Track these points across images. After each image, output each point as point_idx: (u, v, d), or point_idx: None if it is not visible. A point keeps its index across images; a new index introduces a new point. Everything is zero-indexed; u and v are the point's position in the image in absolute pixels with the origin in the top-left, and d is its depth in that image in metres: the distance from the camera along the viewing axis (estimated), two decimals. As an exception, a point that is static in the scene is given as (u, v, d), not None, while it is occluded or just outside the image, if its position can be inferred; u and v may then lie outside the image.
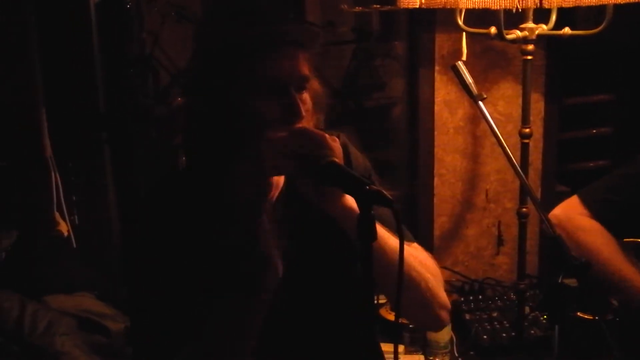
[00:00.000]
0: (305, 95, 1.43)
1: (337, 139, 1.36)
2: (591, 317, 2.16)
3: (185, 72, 1.41)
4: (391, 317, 2.53)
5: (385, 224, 1.38)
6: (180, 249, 1.40)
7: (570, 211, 2.24)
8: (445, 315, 1.56)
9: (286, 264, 1.41)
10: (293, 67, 1.39)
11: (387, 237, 1.39)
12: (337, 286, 1.55)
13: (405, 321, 2.43)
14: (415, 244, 1.60)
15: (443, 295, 1.56)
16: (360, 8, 3.34)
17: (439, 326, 1.66)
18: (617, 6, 2.16)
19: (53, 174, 2.53)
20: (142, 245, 1.46)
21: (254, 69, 1.37)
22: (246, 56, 1.37)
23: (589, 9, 2.14)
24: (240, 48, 1.37)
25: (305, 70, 1.42)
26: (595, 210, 2.20)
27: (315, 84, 1.47)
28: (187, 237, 1.40)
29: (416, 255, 1.53)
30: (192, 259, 1.39)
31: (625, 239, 2.23)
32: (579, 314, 2.24)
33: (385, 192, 1.21)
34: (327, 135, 1.33)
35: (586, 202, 2.22)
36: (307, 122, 1.42)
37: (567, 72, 2.87)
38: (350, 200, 1.37)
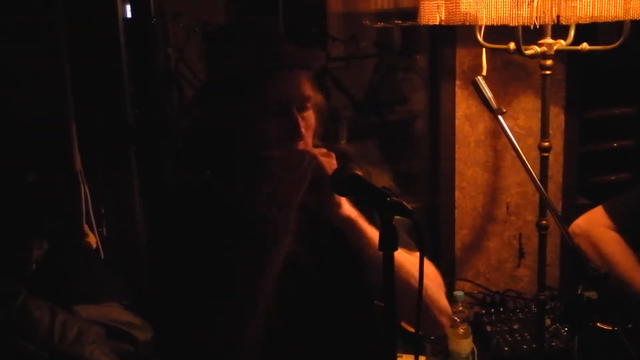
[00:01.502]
0: (309, 113, 1.51)
1: (332, 153, 1.46)
2: (611, 328, 2.17)
3: (201, 91, 1.54)
4: (412, 328, 2.55)
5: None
6: (201, 243, 1.48)
7: (593, 221, 2.26)
8: (445, 320, 1.63)
9: (297, 271, 1.49)
10: (294, 88, 1.48)
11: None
12: (344, 292, 1.61)
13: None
14: (417, 253, 1.61)
15: (443, 301, 1.62)
16: (382, 23, 3.39)
17: (439, 330, 1.70)
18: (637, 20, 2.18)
19: (82, 186, 2.59)
20: (166, 240, 1.54)
21: (258, 91, 1.45)
22: (250, 79, 1.45)
23: (610, 22, 2.16)
24: (245, 71, 1.46)
25: (307, 90, 1.50)
26: (619, 221, 2.22)
27: (318, 99, 1.56)
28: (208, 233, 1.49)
29: (415, 263, 1.51)
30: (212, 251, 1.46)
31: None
32: (599, 324, 2.26)
33: (405, 203, 1.26)
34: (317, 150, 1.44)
35: (610, 213, 2.24)
36: (310, 137, 1.52)
37: (588, 85, 2.89)
38: (348, 210, 1.46)
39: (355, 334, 1.64)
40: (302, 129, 1.48)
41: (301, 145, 1.47)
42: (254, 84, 1.46)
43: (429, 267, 1.62)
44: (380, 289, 1.39)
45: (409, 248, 1.59)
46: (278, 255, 1.42)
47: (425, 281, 1.51)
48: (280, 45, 1.53)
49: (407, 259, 1.53)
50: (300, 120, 1.48)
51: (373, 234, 1.45)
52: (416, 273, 1.49)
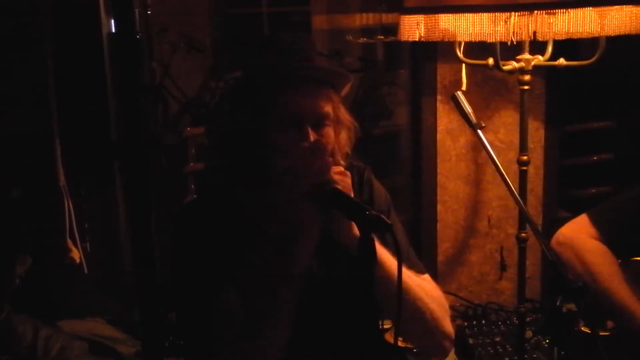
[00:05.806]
0: (326, 130, 1.50)
1: (347, 172, 1.44)
2: (590, 331, 2.19)
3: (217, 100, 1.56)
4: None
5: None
6: (218, 250, 1.50)
7: (578, 230, 2.28)
8: (448, 344, 1.62)
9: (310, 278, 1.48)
10: (311, 104, 1.47)
11: (392, 265, 1.43)
12: (349, 299, 1.59)
13: (409, 345, 2.47)
14: (425, 276, 1.65)
15: (447, 326, 1.61)
16: (365, 39, 3.42)
17: (442, 354, 1.69)
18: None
19: (66, 201, 2.59)
20: (184, 247, 1.57)
21: (275, 104, 1.46)
22: (269, 91, 1.46)
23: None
24: (264, 83, 1.47)
25: (326, 107, 1.49)
26: (604, 229, 2.24)
27: (344, 118, 1.57)
28: (223, 242, 1.51)
29: (423, 286, 1.58)
30: (228, 258, 1.49)
31: (634, 257, 2.27)
32: (582, 328, 2.27)
33: (384, 217, 1.28)
34: (332, 167, 1.41)
35: (595, 221, 2.26)
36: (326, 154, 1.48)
37: (568, 99, 2.92)
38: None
39: (357, 350, 1.64)
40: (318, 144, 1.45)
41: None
42: (273, 93, 1.46)
43: (435, 291, 1.63)
44: (388, 309, 1.42)
45: (417, 270, 1.60)
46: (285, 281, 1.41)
47: (432, 305, 1.56)
48: (305, 59, 1.51)
49: (415, 283, 1.53)
50: (313, 136, 1.46)
51: (385, 256, 1.44)
52: (424, 297, 1.54)
